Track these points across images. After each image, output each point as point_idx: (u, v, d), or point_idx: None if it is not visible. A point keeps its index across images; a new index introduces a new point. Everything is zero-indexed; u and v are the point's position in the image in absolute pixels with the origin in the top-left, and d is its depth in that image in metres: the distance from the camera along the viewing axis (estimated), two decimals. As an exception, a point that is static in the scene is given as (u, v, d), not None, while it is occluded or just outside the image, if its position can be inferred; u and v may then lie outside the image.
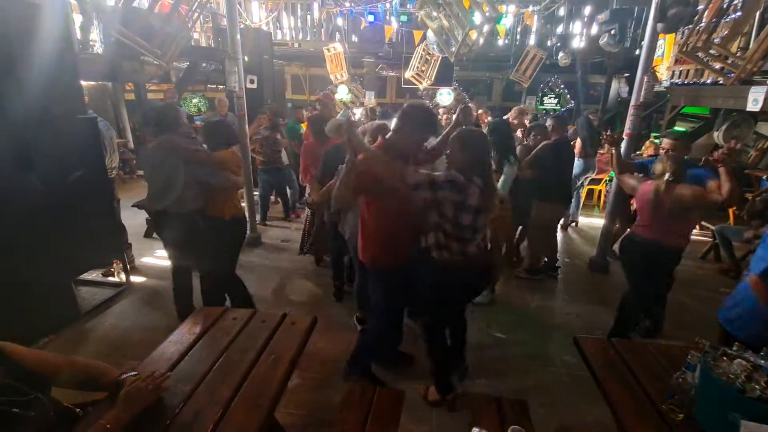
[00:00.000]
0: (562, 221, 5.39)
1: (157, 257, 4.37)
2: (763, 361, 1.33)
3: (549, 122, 3.97)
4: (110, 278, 3.83)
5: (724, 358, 1.38)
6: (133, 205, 4.51)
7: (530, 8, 8.93)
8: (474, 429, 1.48)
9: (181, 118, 2.86)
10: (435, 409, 2.41)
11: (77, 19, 5.41)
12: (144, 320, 3.29)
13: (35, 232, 2.80)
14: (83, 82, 3.87)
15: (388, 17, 9.20)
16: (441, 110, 7.67)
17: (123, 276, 3.77)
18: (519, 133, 4.62)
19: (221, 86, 7.54)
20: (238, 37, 4.22)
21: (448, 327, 2.47)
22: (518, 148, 4.23)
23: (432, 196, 1.98)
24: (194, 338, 1.83)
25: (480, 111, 7.08)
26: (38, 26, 2.70)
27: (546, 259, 4.22)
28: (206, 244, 2.90)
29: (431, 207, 2.04)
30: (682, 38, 5.31)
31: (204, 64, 7.11)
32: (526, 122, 4.88)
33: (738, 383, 1.28)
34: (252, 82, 6.01)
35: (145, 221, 4.82)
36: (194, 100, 9.93)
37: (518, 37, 9.59)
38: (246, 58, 5.24)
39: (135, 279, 3.87)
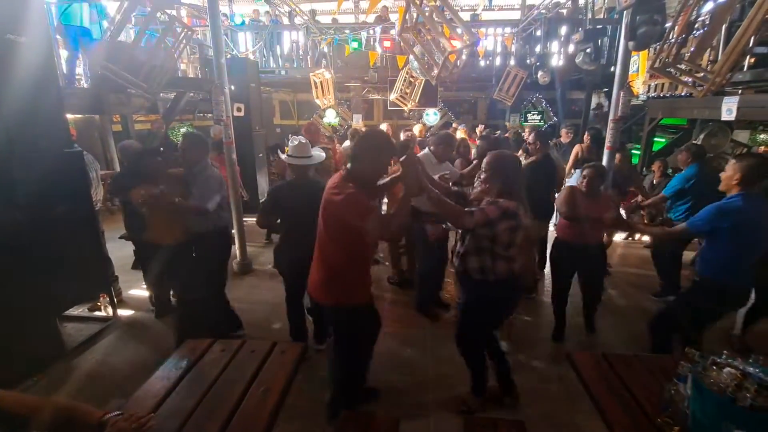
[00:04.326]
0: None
1: (145, 289, 4.28)
2: (751, 369, 1.33)
3: (531, 139, 3.99)
4: (97, 312, 3.74)
5: (713, 367, 1.38)
6: (120, 237, 4.45)
7: (508, 30, 9.26)
8: None
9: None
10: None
11: (63, 54, 5.48)
12: (131, 354, 3.20)
13: (19, 268, 2.74)
14: (70, 116, 3.87)
15: (372, 44, 9.45)
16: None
17: (110, 310, 3.68)
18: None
19: (209, 115, 7.59)
20: (225, 67, 4.28)
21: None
22: None
23: (490, 233, 2.06)
24: (181, 372, 1.78)
25: (471, 135, 7.17)
26: (22, 63, 2.72)
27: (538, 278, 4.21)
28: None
29: (482, 238, 2.11)
30: (654, 54, 5.52)
31: (192, 94, 7.18)
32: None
33: (728, 392, 1.28)
34: (239, 110, 6.07)
35: (132, 253, 4.73)
36: (182, 130, 9.97)
37: (498, 58, 9.89)
38: (233, 87, 5.31)
39: (122, 312, 3.78)
